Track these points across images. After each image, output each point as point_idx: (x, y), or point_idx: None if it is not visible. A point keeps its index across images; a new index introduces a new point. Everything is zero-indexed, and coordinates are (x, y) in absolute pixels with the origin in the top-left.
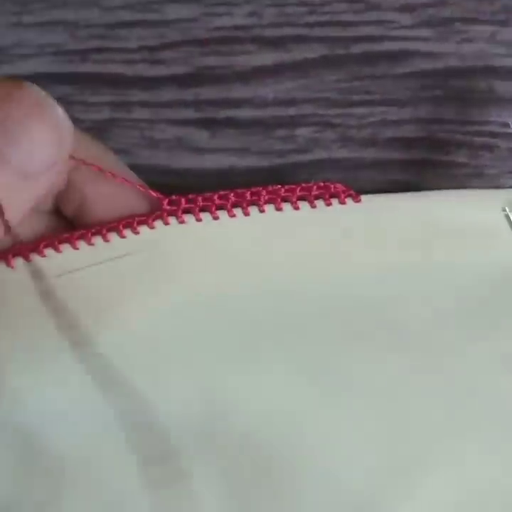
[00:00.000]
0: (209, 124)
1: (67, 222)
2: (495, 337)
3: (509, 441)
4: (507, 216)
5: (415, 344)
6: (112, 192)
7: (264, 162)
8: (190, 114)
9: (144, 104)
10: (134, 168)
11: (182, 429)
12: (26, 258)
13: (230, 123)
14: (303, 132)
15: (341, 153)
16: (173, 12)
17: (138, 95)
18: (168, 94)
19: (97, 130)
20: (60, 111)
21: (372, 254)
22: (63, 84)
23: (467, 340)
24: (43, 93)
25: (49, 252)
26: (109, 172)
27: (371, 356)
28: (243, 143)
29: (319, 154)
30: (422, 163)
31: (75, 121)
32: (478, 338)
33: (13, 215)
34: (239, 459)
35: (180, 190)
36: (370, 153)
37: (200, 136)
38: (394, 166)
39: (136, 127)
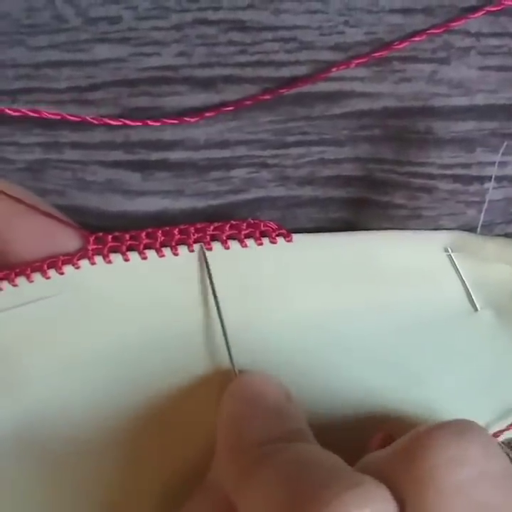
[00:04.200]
0: (140, 166)
1: None
2: (429, 379)
3: None
4: (450, 256)
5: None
6: (38, 227)
7: (199, 203)
8: (120, 156)
9: (74, 146)
10: (67, 209)
11: None
12: None
13: (162, 165)
14: (238, 173)
15: (279, 191)
16: (101, 52)
17: (68, 136)
18: (98, 135)
19: (30, 171)
20: None
21: (303, 294)
22: None
23: (401, 380)
24: None
25: None
26: (33, 205)
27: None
28: (177, 185)
29: (256, 193)
30: (361, 203)
31: (8, 162)
32: (413, 379)
33: None
34: None
35: None
36: (307, 192)
37: (132, 179)
38: (333, 204)
39: (68, 168)
